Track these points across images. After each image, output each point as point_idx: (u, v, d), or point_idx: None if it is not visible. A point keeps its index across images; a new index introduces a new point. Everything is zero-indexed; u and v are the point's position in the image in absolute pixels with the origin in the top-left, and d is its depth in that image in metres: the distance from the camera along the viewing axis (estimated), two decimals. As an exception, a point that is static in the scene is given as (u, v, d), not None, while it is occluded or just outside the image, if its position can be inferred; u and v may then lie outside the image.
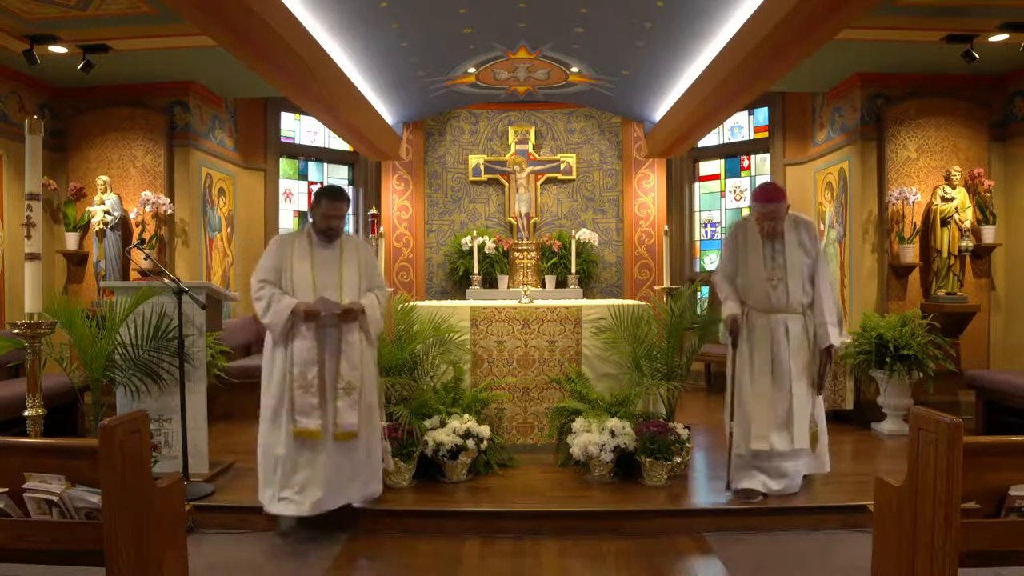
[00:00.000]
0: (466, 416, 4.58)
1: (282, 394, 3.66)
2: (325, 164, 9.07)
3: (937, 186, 6.25)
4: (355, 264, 3.86)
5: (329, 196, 3.79)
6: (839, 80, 6.76)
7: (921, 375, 5.64)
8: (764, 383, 4.03)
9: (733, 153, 8.80)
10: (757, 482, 4.04)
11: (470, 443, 4.44)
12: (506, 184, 9.03)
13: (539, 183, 9.02)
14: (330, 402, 3.69)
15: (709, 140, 8.81)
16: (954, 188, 6.15)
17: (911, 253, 6.19)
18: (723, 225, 8.91)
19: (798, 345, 4.02)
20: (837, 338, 4.00)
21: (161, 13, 4.95)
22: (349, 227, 9.23)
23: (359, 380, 3.75)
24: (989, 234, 6.21)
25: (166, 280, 4.34)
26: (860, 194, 6.52)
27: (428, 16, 5.62)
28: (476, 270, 8.39)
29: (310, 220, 3.85)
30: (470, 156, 9.08)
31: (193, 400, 4.43)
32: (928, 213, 6.25)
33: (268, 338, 3.78)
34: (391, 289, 8.42)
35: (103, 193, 6.36)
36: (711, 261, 8.95)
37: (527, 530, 3.89)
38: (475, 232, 8.68)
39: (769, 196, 4.02)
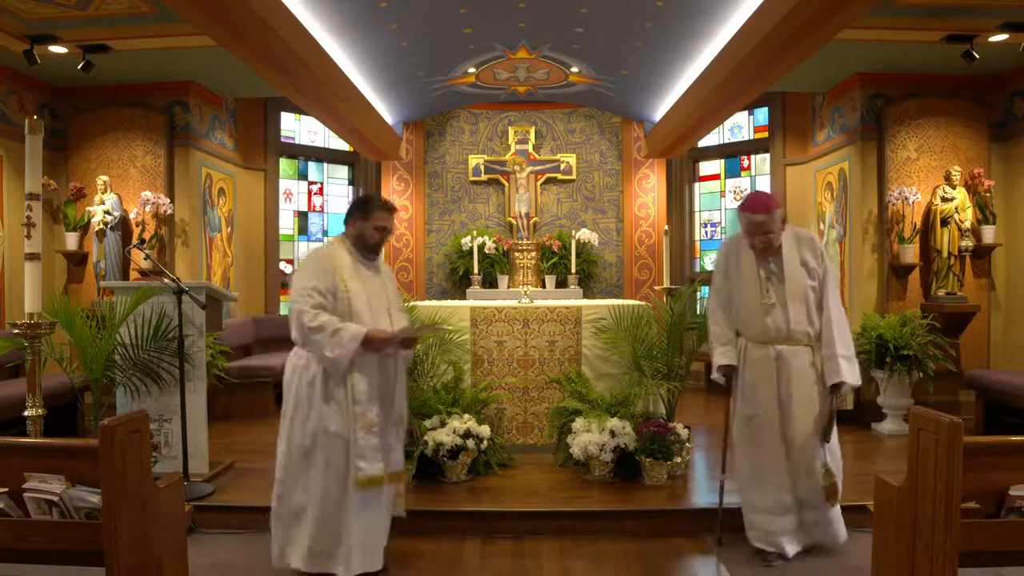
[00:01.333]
0: (466, 416, 4.58)
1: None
2: (325, 164, 9.07)
3: (937, 186, 6.24)
4: (391, 284, 3.45)
5: (384, 207, 3.29)
6: (839, 80, 6.76)
7: (921, 375, 5.64)
8: (766, 425, 3.45)
9: (733, 153, 8.80)
10: (770, 543, 3.48)
11: (470, 443, 4.44)
12: (506, 184, 9.03)
13: (539, 183, 9.02)
14: (385, 441, 3.23)
15: (709, 140, 8.81)
16: (954, 188, 6.14)
17: (911, 253, 6.19)
18: (723, 225, 8.91)
19: (802, 382, 3.40)
20: (851, 374, 3.32)
21: (161, 13, 4.95)
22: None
23: (406, 412, 3.40)
24: (989, 234, 6.20)
25: (166, 280, 4.34)
26: (860, 194, 6.52)
27: (428, 16, 5.62)
28: (476, 270, 8.39)
29: (347, 232, 3.31)
30: (470, 156, 9.09)
31: (193, 400, 4.43)
32: (928, 213, 6.25)
33: (309, 373, 3.15)
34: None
35: (103, 193, 6.36)
36: (711, 261, 8.96)
37: (527, 530, 3.89)
38: (475, 232, 8.68)
39: (758, 206, 3.36)
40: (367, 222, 3.24)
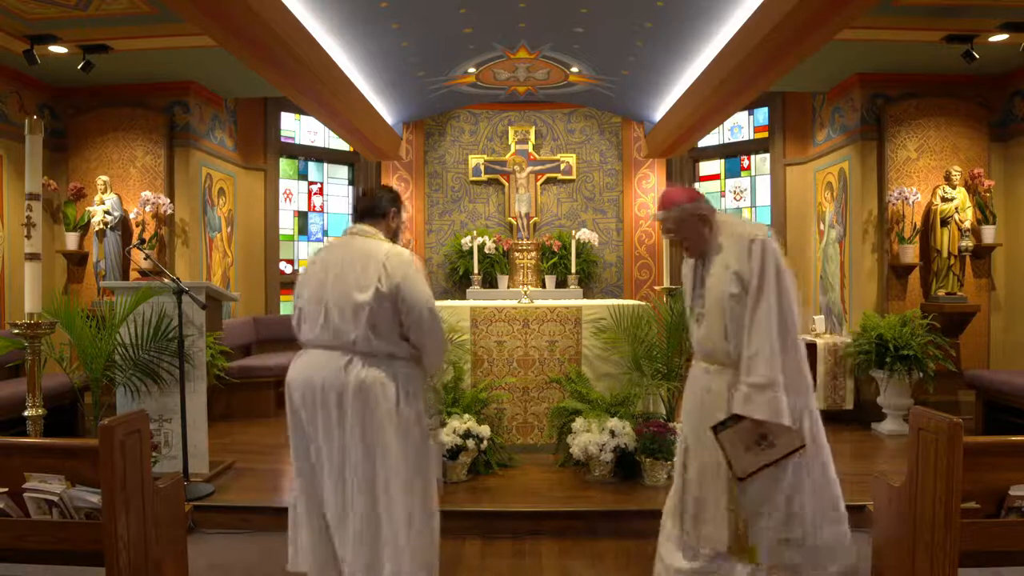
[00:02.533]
0: (466, 416, 4.58)
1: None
2: (325, 164, 9.07)
3: (937, 186, 6.24)
4: None
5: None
6: (839, 80, 6.76)
7: (921, 375, 5.64)
8: (687, 448, 2.89)
9: (733, 153, 8.80)
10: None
11: (470, 443, 4.44)
12: (506, 184, 9.03)
13: (539, 183, 9.02)
14: None
15: (709, 140, 8.81)
16: (954, 188, 6.14)
17: (911, 253, 6.19)
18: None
19: (708, 411, 2.76)
20: (748, 405, 2.55)
21: (161, 13, 4.95)
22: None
23: None
24: (989, 234, 6.20)
25: (166, 280, 4.35)
26: (860, 194, 6.52)
27: (428, 16, 5.62)
28: (476, 270, 8.39)
29: (384, 228, 2.89)
30: (470, 156, 9.09)
31: (193, 400, 4.43)
32: (928, 213, 6.25)
33: (416, 387, 2.78)
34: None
35: (103, 193, 6.36)
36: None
37: (527, 530, 3.89)
38: (475, 232, 8.69)
39: (659, 202, 2.88)
40: (400, 216, 2.98)
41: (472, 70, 7.24)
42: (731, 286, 2.69)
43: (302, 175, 8.87)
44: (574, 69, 7.21)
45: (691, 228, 2.80)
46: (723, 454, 2.65)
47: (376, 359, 2.65)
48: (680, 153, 8.64)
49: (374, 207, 2.86)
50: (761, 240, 2.67)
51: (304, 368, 2.70)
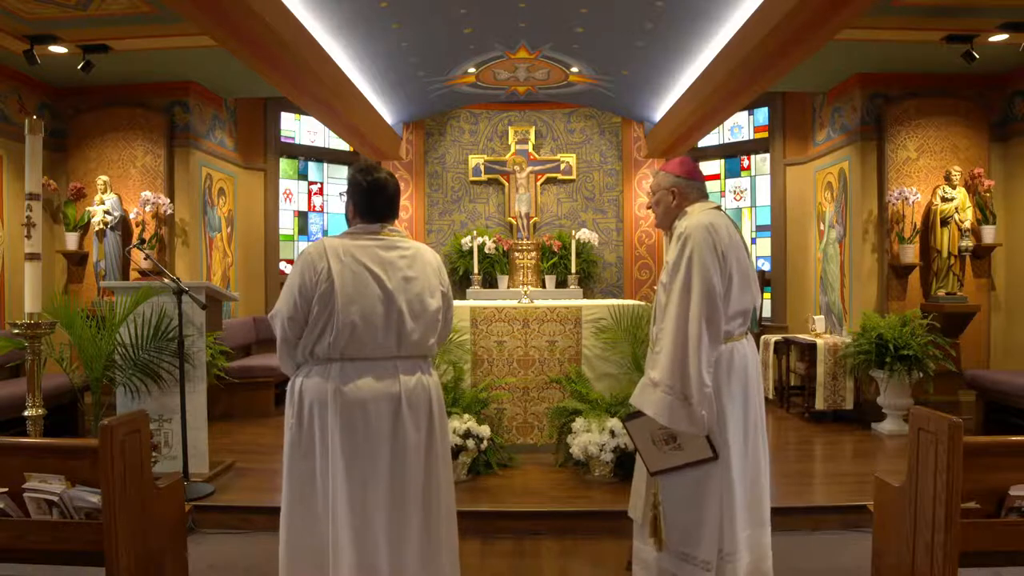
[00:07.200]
0: (466, 416, 4.58)
1: None
2: (325, 164, 9.07)
3: (937, 186, 6.24)
4: None
5: None
6: (839, 80, 6.76)
7: (921, 375, 5.64)
8: None
9: (733, 153, 8.80)
10: None
11: (470, 443, 4.44)
12: (506, 184, 9.04)
13: (539, 183, 9.03)
14: None
15: (709, 140, 8.81)
16: (954, 188, 6.14)
17: (911, 253, 6.19)
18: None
19: None
20: (642, 399, 2.56)
21: (161, 13, 4.95)
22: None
23: None
24: (989, 234, 6.20)
25: (166, 280, 4.34)
26: (860, 194, 6.52)
27: (428, 16, 5.62)
28: (476, 270, 8.39)
29: None
30: (470, 156, 9.09)
31: (193, 400, 4.43)
32: (928, 213, 6.25)
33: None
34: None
35: (103, 193, 6.36)
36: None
37: (527, 530, 3.89)
38: (475, 232, 8.69)
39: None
40: None
41: (472, 70, 7.24)
42: (663, 275, 2.68)
43: (302, 175, 8.88)
44: (574, 69, 7.20)
45: (661, 199, 2.84)
46: (633, 444, 2.68)
47: (427, 360, 2.61)
48: (680, 153, 8.64)
49: (396, 209, 2.67)
50: (686, 235, 2.59)
51: (369, 382, 2.44)
